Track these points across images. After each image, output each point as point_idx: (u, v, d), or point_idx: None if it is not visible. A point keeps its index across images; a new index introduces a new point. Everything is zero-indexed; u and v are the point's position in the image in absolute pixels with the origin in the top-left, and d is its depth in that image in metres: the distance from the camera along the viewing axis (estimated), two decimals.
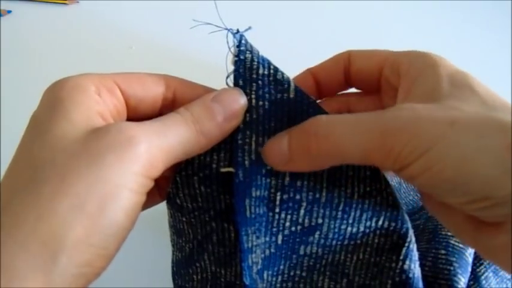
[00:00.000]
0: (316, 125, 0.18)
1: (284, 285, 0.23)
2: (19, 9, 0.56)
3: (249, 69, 0.19)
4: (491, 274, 0.27)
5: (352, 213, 0.21)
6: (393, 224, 0.21)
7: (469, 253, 0.26)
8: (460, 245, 0.26)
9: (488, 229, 0.17)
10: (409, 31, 0.56)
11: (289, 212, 0.20)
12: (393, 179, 0.34)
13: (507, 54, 0.53)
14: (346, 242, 0.21)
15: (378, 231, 0.21)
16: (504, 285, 0.28)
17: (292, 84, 0.20)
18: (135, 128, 0.17)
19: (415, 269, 0.21)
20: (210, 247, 0.23)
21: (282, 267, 0.22)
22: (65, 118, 0.17)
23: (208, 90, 0.21)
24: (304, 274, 0.22)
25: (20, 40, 0.53)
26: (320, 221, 0.21)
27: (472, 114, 0.16)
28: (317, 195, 0.20)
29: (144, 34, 0.53)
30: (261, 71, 0.19)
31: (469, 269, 0.26)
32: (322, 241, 0.21)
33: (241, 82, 0.19)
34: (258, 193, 0.20)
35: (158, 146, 0.17)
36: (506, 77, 0.51)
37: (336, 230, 0.21)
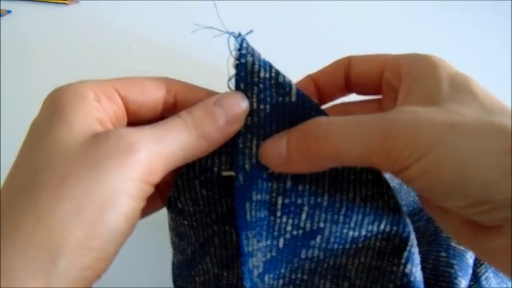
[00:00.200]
0: (316, 126, 0.18)
1: None
2: (19, 9, 0.56)
3: (250, 73, 0.19)
4: (491, 274, 0.28)
5: (354, 217, 0.21)
6: (395, 228, 0.21)
7: (470, 255, 0.26)
8: (461, 248, 0.26)
9: (487, 233, 0.17)
10: (409, 31, 0.56)
11: (291, 216, 0.20)
12: (394, 180, 0.34)
13: (507, 54, 0.53)
14: (347, 245, 0.21)
15: (379, 235, 0.21)
16: (504, 286, 0.28)
17: (293, 87, 0.19)
18: (135, 134, 0.17)
19: (416, 272, 0.21)
20: (212, 250, 0.23)
21: (283, 270, 0.22)
22: (65, 124, 0.17)
23: (210, 93, 0.21)
24: (305, 277, 0.22)
25: (20, 40, 0.53)
26: (322, 225, 0.21)
27: (472, 117, 0.16)
28: (319, 200, 0.20)
29: (144, 34, 0.53)
30: (262, 74, 0.19)
31: (470, 272, 0.26)
32: (323, 245, 0.21)
33: (242, 86, 0.19)
34: (258, 197, 0.20)
35: (158, 152, 0.17)
36: (506, 77, 0.50)
37: (338, 234, 0.21)
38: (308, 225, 0.21)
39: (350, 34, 0.55)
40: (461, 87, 0.18)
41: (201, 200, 0.21)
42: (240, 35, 0.20)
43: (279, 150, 0.19)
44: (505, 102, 0.17)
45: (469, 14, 0.59)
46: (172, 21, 0.55)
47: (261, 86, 0.19)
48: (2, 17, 0.55)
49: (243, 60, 0.19)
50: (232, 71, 0.20)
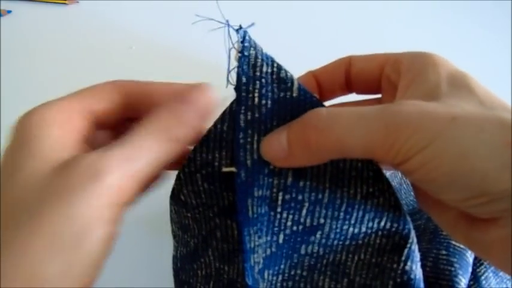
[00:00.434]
0: (316, 117, 0.18)
1: (284, 284, 0.23)
2: (19, 9, 0.56)
3: (253, 67, 0.19)
4: (491, 274, 0.28)
5: (355, 214, 0.21)
6: (395, 225, 0.21)
7: (470, 254, 0.26)
8: (461, 246, 0.26)
9: (482, 225, 0.17)
10: (409, 31, 0.56)
11: (291, 211, 0.20)
12: (394, 180, 0.34)
13: (507, 54, 0.53)
14: (347, 242, 0.21)
15: (379, 232, 0.21)
16: (504, 285, 0.28)
17: (295, 83, 0.19)
18: (104, 158, 0.17)
19: (416, 270, 0.21)
20: (214, 243, 0.23)
21: (282, 266, 0.22)
22: (32, 156, 0.17)
23: (168, 88, 0.20)
24: (304, 273, 0.22)
25: (20, 40, 0.53)
26: (322, 221, 0.21)
27: (472, 111, 0.16)
28: (319, 196, 0.20)
29: (144, 34, 0.53)
30: (264, 69, 0.19)
31: (470, 270, 0.26)
32: (323, 241, 0.21)
33: (244, 79, 0.19)
34: (260, 193, 0.19)
35: (129, 172, 0.17)
36: (506, 77, 0.51)
37: (338, 230, 0.21)
38: (308, 221, 0.20)
39: (350, 33, 0.55)
40: (460, 85, 0.18)
41: (203, 193, 0.21)
42: (241, 27, 0.19)
43: (279, 144, 0.18)
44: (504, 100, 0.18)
45: (469, 14, 0.59)
46: (172, 21, 0.55)
47: (263, 80, 0.19)
48: (2, 17, 0.55)
49: (245, 53, 0.19)
50: (232, 65, 0.19)
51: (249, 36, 0.19)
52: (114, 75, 0.50)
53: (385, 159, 0.17)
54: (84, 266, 0.16)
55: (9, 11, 0.56)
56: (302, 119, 0.19)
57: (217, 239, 0.22)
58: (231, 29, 0.19)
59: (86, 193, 0.16)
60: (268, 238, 0.21)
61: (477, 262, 0.27)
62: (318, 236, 0.21)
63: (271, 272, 0.22)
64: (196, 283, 0.25)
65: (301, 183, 0.20)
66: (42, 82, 0.47)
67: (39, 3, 0.57)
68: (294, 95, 0.19)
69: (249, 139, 0.19)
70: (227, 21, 0.19)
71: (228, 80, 0.20)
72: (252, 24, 0.20)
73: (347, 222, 0.21)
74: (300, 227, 0.21)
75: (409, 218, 0.21)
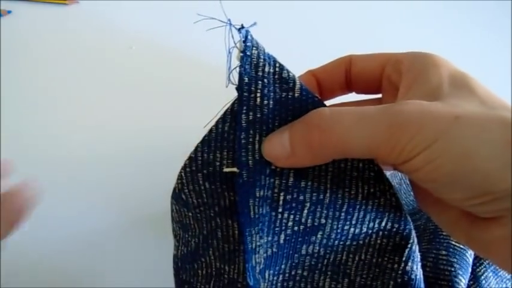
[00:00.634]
0: (319, 117, 0.18)
1: (285, 284, 0.23)
2: (19, 9, 0.56)
3: (255, 67, 0.19)
4: (491, 274, 0.28)
5: (356, 214, 0.21)
6: (396, 226, 0.21)
7: (470, 254, 0.26)
8: (461, 246, 0.26)
9: (483, 224, 0.17)
10: (409, 31, 0.56)
11: (292, 212, 0.20)
12: (394, 180, 0.34)
13: (507, 54, 0.53)
14: (348, 242, 0.21)
15: (380, 232, 0.21)
16: (504, 285, 0.28)
17: (297, 83, 0.19)
18: None
19: (417, 270, 0.21)
20: (215, 242, 0.23)
21: (283, 266, 0.22)
22: None
23: None
24: (305, 273, 0.22)
25: (20, 40, 0.53)
26: (323, 221, 0.21)
27: (475, 110, 0.16)
28: (321, 196, 0.20)
29: (144, 34, 0.53)
30: (266, 69, 0.19)
31: (470, 270, 0.26)
32: (324, 241, 0.21)
33: (246, 79, 0.19)
34: (261, 193, 0.19)
35: None
36: (506, 77, 0.51)
37: (339, 231, 0.21)
38: (309, 221, 0.20)
39: (350, 33, 0.55)
40: (461, 85, 0.18)
41: (205, 193, 0.21)
42: (243, 27, 0.19)
43: (281, 143, 0.18)
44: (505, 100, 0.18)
45: (469, 14, 0.59)
46: (173, 21, 0.55)
47: (265, 80, 0.19)
48: (2, 17, 0.55)
49: (248, 53, 0.19)
50: (233, 65, 0.19)
51: (251, 36, 0.19)
52: (114, 75, 0.51)
53: (388, 159, 0.17)
54: None
55: (9, 11, 0.56)
56: (304, 119, 0.19)
57: (218, 239, 0.22)
58: (232, 29, 0.19)
59: None
60: (269, 238, 0.21)
61: (477, 262, 0.27)
62: (319, 236, 0.21)
63: (272, 272, 0.22)
64: (196, 283, 0.25)
65: (303, 184, 0.20)
66: (42, 82, 0.47)
67: (39, 3, 0.57)
68: (296, 95, 0.19)
69: (250, 139, 0.19)
70: (229, 20, 0.19)
71: (229, 80, 0.19)
72: (254, 23, 0.20)
73: (348, 222, 0.21)
74: (301, 227, 0.21)
75: (409, 219, 0.21)
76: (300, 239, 0.21)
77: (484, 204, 0.16)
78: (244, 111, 0.19)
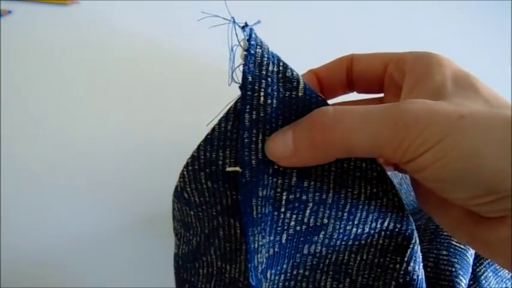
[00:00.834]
0: (323, 116, 0.18)
1: (287, 284, 0.23)
2: (19, 9, 0.56)
3: (259, 65, 0.18)
4: (491, 274, 0.28)
5: (358, 215, 0.21)
6: (398, 226, 0.21)
7: (470, 254, 0.26)
8: (462, 246, 0.26)
9: (488, 224, 0.17)
10: (409, 31, 0.56)
11: (295, 211, 0.20)
12: (394, 180, 0.34)
13: (507, 54, 0.53)
14: (350, 242, 0.21)
15: (382, 233, 0.21)
16: (504, 285, 0.28)
17: (301, 82, 0.19)
18: None
19: (419, 270, 0.21)
20: (216, 241, 0.23)
21: (285, 266, 0.22)
22: None
23: None
24: (307, 273, 0.22)
25: (20, 40, 0.53)
26: (325, 221, 0.20)
27: (479, 109, 0.16)
28: (323, 196, 0.20)
29: (144, 34, 0.53)
30: (270, 68, 0.19)
31: (470, 270, 0.26)
32: (326, 241, 0.21)
33: (250, 78, 0.18)
34: (264, 193, 0.19)
35: None
36: (506, 77, 0.51)
37: (341, 231, 0.21)
38: (312, 221, 0.20)
39: (351, 33, 0.55)
40: (465, 84, 0.18)
41: (207, 192, 0.21)
42: (247, 25, 0.19)
43: (284, 142, 0.18)
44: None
45: (469, 14, 0.59)
46: (172, 21, 0.55)
47: (269, 80, 0.19)
48: (2, 17, 0.55)
49: (252, 51, 0.18)
50: (236, 64, 0.19)
51: (255, 34, 0.19)
52: (114, 75, 0.51)
53: (393, 158, 0.17)
54: None
55: (9, 11, 0.56)
56: (308, 118, 0.19)
57: (219, 238, 0.22)
58: (236, 27, 0.18)
59: None
60: (272, 238, 0.21)
61: (477, 262, 0.27)
62: (321, 236, 0.21)
63: (273, 271, 0.22)
64: (197, 282, 0.25)
65: (305, 184, 0.20)
66: (42, 82, 0.47)
67: (39, 3, 0.57)
68: (300, 94, 0.19)
69: (253, 138, 0.19)
70: (232, 18, 0.18)
71: (232, 78, 0.19)
72: (258, 22, 0.19)
73: (350, 222, 0.21)
74: (304, 227, 0.21)
75: (411, 219, 0.21)
76: (302, 239, 0.21)
77: (489, 204, 0.16)
78: (247, 110, 0.19)
